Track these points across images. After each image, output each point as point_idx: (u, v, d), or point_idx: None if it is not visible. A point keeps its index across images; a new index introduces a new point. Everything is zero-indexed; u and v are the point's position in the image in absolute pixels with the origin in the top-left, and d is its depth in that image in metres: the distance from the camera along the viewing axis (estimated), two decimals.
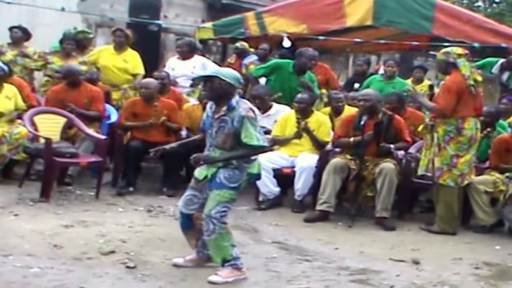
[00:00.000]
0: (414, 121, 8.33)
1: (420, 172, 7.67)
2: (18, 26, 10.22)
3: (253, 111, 5.51)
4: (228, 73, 5.55)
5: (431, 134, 7.54)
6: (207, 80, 5.55)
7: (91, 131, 8.46)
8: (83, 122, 8.59)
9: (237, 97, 5.52)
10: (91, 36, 10.73)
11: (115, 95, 9.99)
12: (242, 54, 11.45)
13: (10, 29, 10.18)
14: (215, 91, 5.47)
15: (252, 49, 11.57)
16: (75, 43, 10.07)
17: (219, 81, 5.44)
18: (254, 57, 11.17)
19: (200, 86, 9.78)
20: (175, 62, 10.48)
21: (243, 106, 5.48)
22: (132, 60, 10.23)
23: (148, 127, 8.55)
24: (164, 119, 8.51)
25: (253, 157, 5.55)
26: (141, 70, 10.29)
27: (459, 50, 7.52)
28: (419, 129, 7.88)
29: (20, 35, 10.13)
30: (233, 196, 5.51)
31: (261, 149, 5.53)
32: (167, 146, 6.03)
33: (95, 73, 9.67)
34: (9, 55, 9.78)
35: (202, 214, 5.52)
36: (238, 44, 11.60)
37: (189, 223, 5.75)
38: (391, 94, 9.02)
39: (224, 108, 5.46)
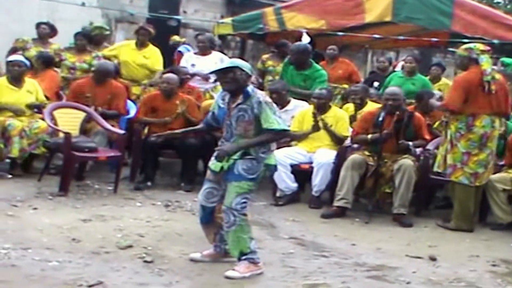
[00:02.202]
0: (439, 119, 8.27)
1: (435, 168, 7.67)
2: (46, 22, 10.29)
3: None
4: (243, 63, 5.63)
5: (445, 130, 7.53)
6: (228, 71, 5.56)
7: (110, 126, 8.50)
8: (103, 116, 8.64)
9: (251, 85, 5.60)
10: (107, 33, 10.75)
11: (135, 90, 10.05)
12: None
13: (38, 25, 10.24)
14: (237, 81, 5.51)
15: (184, 39, 11.66)
16: (87, 38, 10.09)
17: (240, 71, 5.51)
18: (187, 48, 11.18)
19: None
20: (195, 58, 10.48)
21: (259, 93, 5.57)
22: (152, 56, 10.28)
23: (166, 123, 8.57)
24: (183, 109, 8.52)
25: (271, 147, 5.59)
26: (160, 66, 10.35)
27: (482, 47, 7.49)
28: (435, 125, 7.87)
29: (48, 31, 10.23)
30: (251, 187, 5.54)
31: (283, 133, 5.61)
32: (169, 132, 6.05)
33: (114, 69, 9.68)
34: (33, 51, 9.83)
35: (222, 206, 5.56)
36: (171, 42, 11.64)
37: (209, 217, 5.78)
38: (422, 92, 9.03)
39: (240, 96, 5.51)
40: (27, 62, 8.72)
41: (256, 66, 11.03)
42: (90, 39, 10.20)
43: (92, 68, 9.47)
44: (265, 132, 5.49)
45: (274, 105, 5.59)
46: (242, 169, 5.50)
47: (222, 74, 5.60)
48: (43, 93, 8.90)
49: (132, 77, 10.17)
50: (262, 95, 5.54)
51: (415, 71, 10.60)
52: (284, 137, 5.69)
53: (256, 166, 5.52)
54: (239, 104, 5.52)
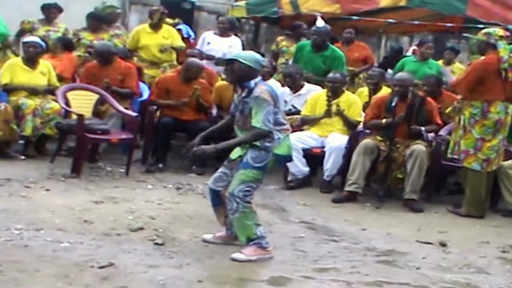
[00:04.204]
0: (449, 104, 8.23)
1: (449, 154, 7.65)
2: (54, 5, 10.21)
3: (270, 95, 5.52)
4: (248, 56, 5.65)
5: (458, 116, 7.51)
6: (229, 63, 5.68)
7: (122, 108, 8.52)
8: (115, 98, 8.66)
9: (257, 79, 5.58)
10: (119, 11, 10.74)
11: (154, 72, 10.00)
12: None
13: (44, 8, 10.18)
14: (234, 73, 5.61)
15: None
16: (97, 19, 10.10)
17: (239, 64, 5.55)
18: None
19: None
20: (212, 37, 10.52)
21: (260, 87, 5.54)
22: (171, 36, 10.24)
23: (181, 106, 8.57)
24: (198, 93, 8.52)
25: (275, 137, 5.55)
26: (181, 42, 10.37)
27: (501, 32, 7.44)
28: (447, 111, 7.85)
29: (55, 13, 10.19)
30: (257, 176, 5.56)
31: (259, 132, 5.47)
32: (195, 144, 5.97)
33: (122, 51, 9.67)
34: (42, 31, 9.87)
35: (226, 193, 5.61)
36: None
37: (217, 200, 5.84)
38: (429, 76, 8.98)
39: (245, 90, 5.57)
40: (43, 44, 8.79)
41: (270, 48, 11.06)
42: (101, 19, 10.18)
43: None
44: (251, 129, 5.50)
45: (270, 103, 5.48)
46: (250, 157, 5.54)
47: (226, 64, 5.75)
48: (60, 73, 9.05)
49: (154, 59, 10.13)
50: (261, 91, 5.50)
51: (430, 57, 10.55)
52: (260, 137, 5.56)
53: (264, 155, 5.53)
54: (244, 97, 5.58)
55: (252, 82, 5.54)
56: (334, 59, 9.50)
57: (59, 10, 10.25)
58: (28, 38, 8.88)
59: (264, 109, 5.45)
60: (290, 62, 10.19)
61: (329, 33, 9.77)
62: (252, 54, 5.75)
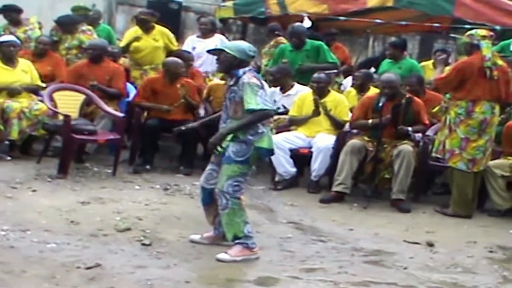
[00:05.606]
0: (433, 104, 8.25)
1: (433, 153, 7.68)
2: (5, 8, 10.08)
3: (259, 80, 5.62)
4: (233, 46, 5.73)
5: (444, 116, 7.54)
6: (216, 53, 5.82)
7: (109, 109, 8.49)
8: (103, 99, 8.62)
9: (246, 68, 5.62)
10: (90, 13, 10.65)
11: (134, 73, 9.98)
12: None
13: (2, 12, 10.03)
14: (222, 63, 5.70)
15: None
16: (63, 24, 9.93)
17: (225, 54, 5.63)
18: None
19: None
20: (196, 41, 10.48)
21: (248, 75, 5.58)
22: (162, 38, 10.16)
23: (164, 111, 8.56)
24: (184, 93, 8.51)
25: (259, 130, 5.57)
26: (175, 44, 10.27)
27: (483, 32, 7.51)
28: (434, 110, 7.87)
29: (14, 15, 10.05)
30: (242, 170, 5.57)
31: (263, 113, 5.54)
32: (189, 126, 6.14)
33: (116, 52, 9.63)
34: (20, 33, 9.75)
35: (216, 190, 5.63)
36: None
37: (209, 198, 5.83)
38: (411, 76, 8.97)
39: (234, 79, 5.60)
40: (19, 42, 8.75)
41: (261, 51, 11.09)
42: (68, 23, 10.01)
43: (84, 45, 9.50)
44: (247, 114, 5.52)
45: (261, 87, 5.58)
46: (232, 151, 5.56)
47: (215, 55, 5.85)
48: (62, 80, 9.01)
49: (145, 62, 10.02)
50: (248, 77, 5.55)
51: (398, 56, 10.29)
52: (265, 117, 5.64)
53: (245, 149, 5.55)
54: (231, 85, 5.62)
55: (241, 71, 5.58)
56: (317, 50, 9.54)
57: (15, 10, 10.05)
58: (4, 38, 8.75)
59: (257, 91, 5.50)
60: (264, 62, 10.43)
61: (306, 30, 9.83)
62: (238, 44, 5.83)
